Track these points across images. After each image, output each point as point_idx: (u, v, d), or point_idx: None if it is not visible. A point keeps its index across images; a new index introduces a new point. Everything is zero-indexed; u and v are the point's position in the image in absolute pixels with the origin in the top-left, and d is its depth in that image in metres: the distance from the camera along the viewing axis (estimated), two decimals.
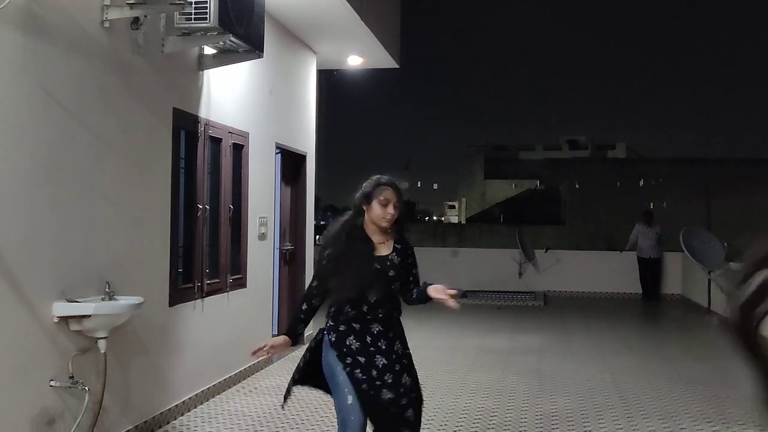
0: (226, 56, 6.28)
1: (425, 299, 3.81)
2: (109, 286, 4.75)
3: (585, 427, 5.93)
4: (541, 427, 5.91)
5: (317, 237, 10.62)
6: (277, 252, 8.61)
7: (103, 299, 4.68)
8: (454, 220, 48.40)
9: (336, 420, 3.82)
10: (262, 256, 7.79)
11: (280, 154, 8.57)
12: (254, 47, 6.02)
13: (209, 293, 6.48)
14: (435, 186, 37.63)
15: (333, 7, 7.71)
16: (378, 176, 3.92)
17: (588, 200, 35.31)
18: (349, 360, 3.74)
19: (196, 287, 6.24)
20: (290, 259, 9.06)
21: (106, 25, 4.84)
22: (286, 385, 4.02)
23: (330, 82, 12.26)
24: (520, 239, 15.91)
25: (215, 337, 6.62)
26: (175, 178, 5.87)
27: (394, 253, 3.85)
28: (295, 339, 3.94)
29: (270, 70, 7.90)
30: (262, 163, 7.75)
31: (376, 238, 3.88)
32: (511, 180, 46.75)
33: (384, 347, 3.76)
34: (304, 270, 9.01)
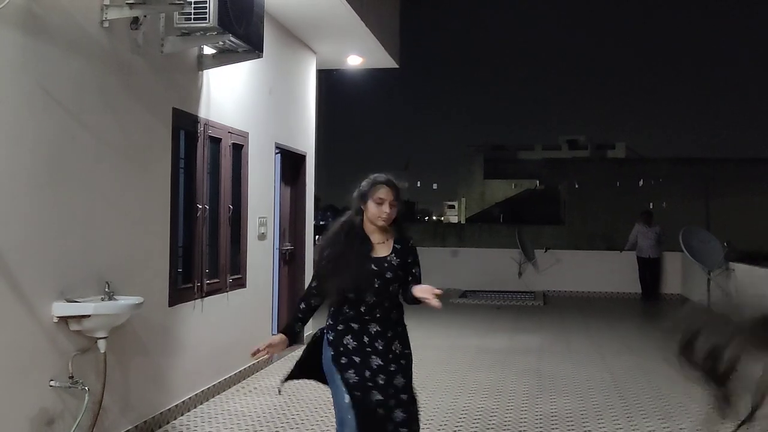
0: (225, 56, 6.28)
1: (416, 299, 3.76)
2: (108, 286, 4.75)
3: (584, 427, 5.93)
4: (540, 427, 5.91)
5: (317, 237, 10.62)
6: (276, 252, 8.61)
7: (102, 299, 4.68)
8: (454, 220, 48.46)
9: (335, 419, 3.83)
10: (261, 256, 7.79)
11: (279, 154, 8.57)
12: (254, 47, 6.02)
13: (209, 293, 6.48)
14: (434, 186, 37.65)
15: (333, 7, 7.71)
16: (375, 175, 3.91)
17: (587, 200, 35.30)
18: (344, 360, 3.76)
19: (195, 287, 6.24)
20: (290, 259, 9.06)
21: (106, 25, 4.84)
22: (284, 377, 4.04)
23: (330, 81, 12.26)
24: (519, 239, 15.92)
25: (215, 337, 6.62)
26: (174, 178, 5.87)
27: (393, 254, 3.83)
28: (293, 337, 3.93)
29: (270, 70, 7.90)
30: (261, 163, 7.75)
31: (375, 238, 3.87)
32: (511, 180, 46.78)
33: (381, 348, 3.76)
34: (304, 270, 9.01)
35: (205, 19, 5.29)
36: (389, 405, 3.71)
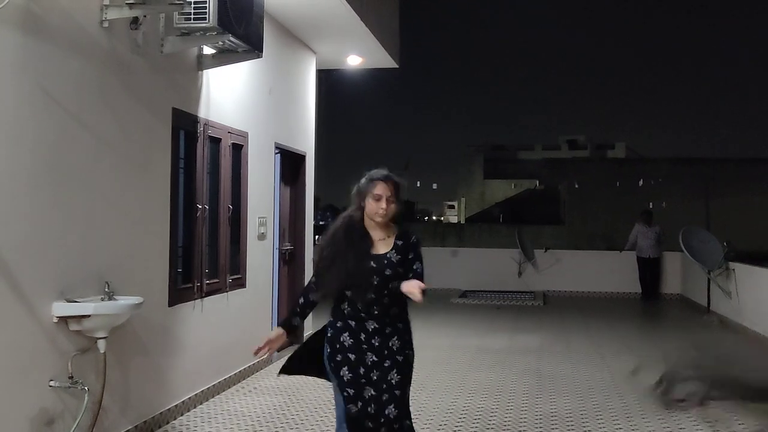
0: (225, 56, 6.28)
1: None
2: (108, 286, 4.75)
3: (584, 427, 5.93)
4: (540, 427, 5.91)
5: (317, 237, 10.62)
6: (276, 252, 8.61)
7: (102, 299, 4.68)
8: (454, 220, 48.45)
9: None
10: (261, 256, 7.79)
11: (279, 154, 8.57)
12: (253, 47, 6.02)
13: (209, 293, 6.48)
14: (434, 186, 37.59)
15: (332, 7, 7.71)
16: (373, 171, 3.91)
17: (587, 200, 35.30)
18: (339, 357, 3.80)
19: (195, 287, 6.24)
20: (290, 259, 9.06)
21: (106, 25, 4.84)
22: (279, 376, 4.05)
23: (329, 81, 12.26)
24: (519, 239, 15.92)
25: (215, 337, 6.62)
26: (174, 178, 5.87)
27: (393, 251, 3.82)
28: (291, 331, 3.96)
29: (269, 70, 7.90)
30: (261, 163, 7.75)
31: (376, 234, 3.87)
32: (511, 180, 46.78)
33: (377, 344, 3.77)
34: (304, 270, 9.01)
35: (204, 19, 5.29)
36: (382, 400, 3.71)
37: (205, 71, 6.32)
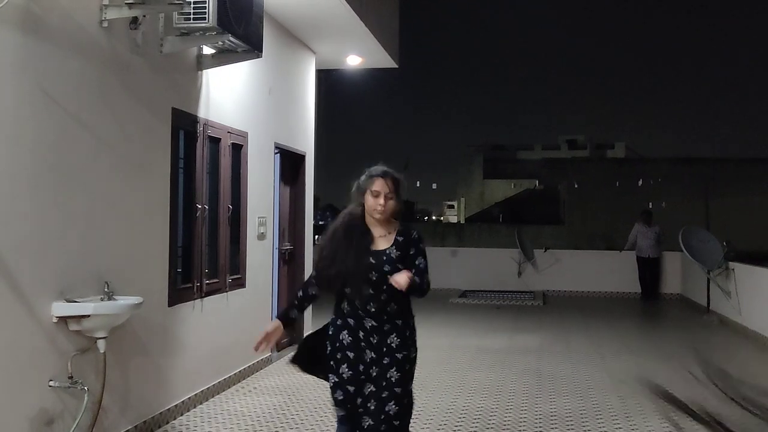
0: (225, 56, 6.28)
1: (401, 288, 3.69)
2: (108, 286, 4.75)
3: (584, 427, 5.93)
4: (540, 427, 5.91)
5: (316, 237, 10.62)
6: (276, 252, 8.61)
7: (102, 299, 4.68)
8: (453, 219, 48.47)
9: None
10: (261, 256, 7.79)
11: (279, 154, 8.57)
12: (253, 47, 6.02)
13: (208, 293, 6.48)
14: (434, 186, 37.59)
15: (332, 7, 7.71)
16: (372, 168, 3.91)
17: (587, 200, 35.29)
18: (339, 355, 3.83)
19: (195, 287, 6.24)
20: (289, 259, 9.06)
21: (105, 24, 4.84)
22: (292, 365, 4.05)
23: (329, 81, 12.26)
24: (519, 239, 15.93)
25: (214, 337, 6.62)
26: (174, 178, 5.87)
27: (393, 247, 3.81)
28: (287, 323, 3.99)
29: (269, 70, 7.90)
30: (261, 162, 7.75)
31: (376, 231, 3.87)
32: (510, 180, 46.80)
33: (375, 341, 3.77)
34: (303, 270, 9.01)
35: (204, 19, 5.29)
36: (381, 396, 3.72)
37: (204, 71, 6.32)
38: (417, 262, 3.82)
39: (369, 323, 3.79)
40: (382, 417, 3.70)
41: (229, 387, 6.95)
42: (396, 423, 3.72)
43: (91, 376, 4.63)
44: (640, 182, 32.11)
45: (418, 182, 33.38)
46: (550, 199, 41.04)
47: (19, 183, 4.15)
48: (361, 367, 3.77)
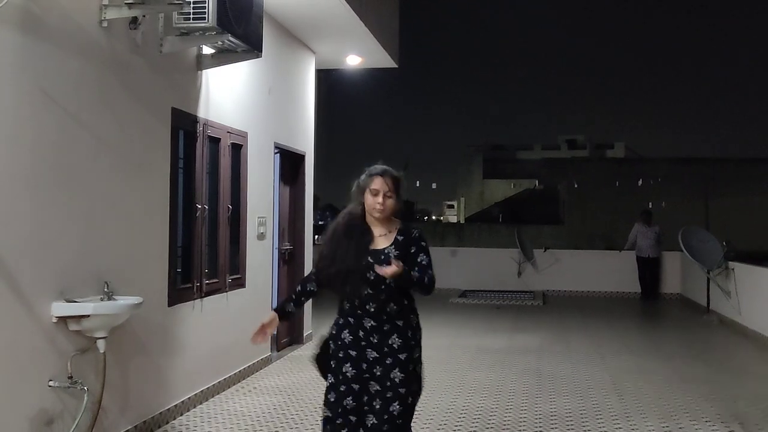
0: (224, 56, 6.28)
1: (394, 281, 3.66)
2: (107, 286, 4.74)
3: (584, 426, 5.93)
4: (539, 427, 5.91)
5: (316, 237, 10.62)
6: (275, 252, 8.61)
7: (102, 299, 4.68)
8: (453, 219, 48.48)
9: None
10: (261, 256, 7.79)
11: (278, 154, 8.57)
12: (253, 47, 6.02)
13: (208, 293, 6.48)
14: (434, 185, 37.62)
15: (332, 7, 7.71)
16: (372, 167, 3.90)
17: (587, 200, 35.32)
18: (341, 354, 3.82)
19: (195, 287, 6.24)
20: (289, 259, 9.06)
21: (105, 24, 4.84)
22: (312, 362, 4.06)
23: (329, 81, 12.26)
24: (518, 239, 15.93)
25: (214, 337, 6.62)
26: (173, 178, 5.87)
27: (392, 246, 3.78)
28: (284, 316, 4.00)
29: (269, 70, 7.90)
30: (260, 162, 7.75)
31: (377, 230, 3.86)
32: (510, 180, 46.84)
33: (376, 341, 3.77)
34: (303, 269, 9.01)
35: (204, 18, 5.29)
36: (386, 396, 3.72)
37: (204, 71, 6.32)
38: (419, 260, 3.79)
39: (369, 323, 3.78)
40: (386, 417, 3.70)
41: (229, 387, 6.95)
42: (399, 422, 3.72)
43: (91, 376, 4.63)
44: (640, 182, 32.14)
45: (417, 182, 33.44)
46: (550, 199, 41.07)
47: (19, 183, 4.15)
48: (364, 366, 3.77)
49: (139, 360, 5.37)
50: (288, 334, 9.08)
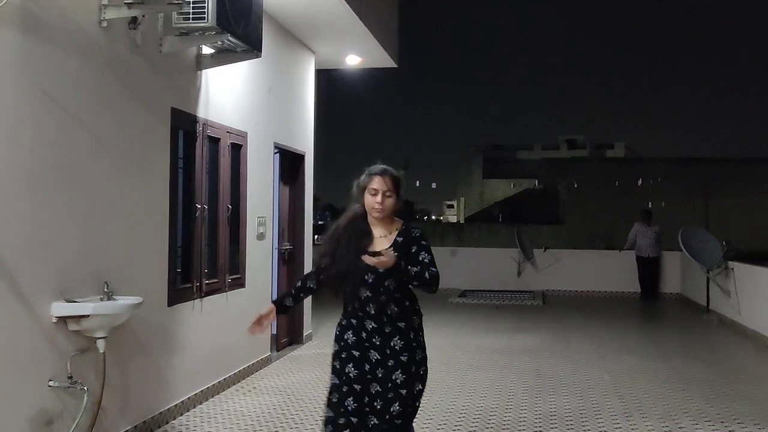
0: (224, 56, 6.28)
1: (390, 274, 3.66)
2: (107, 286, 4.74)
3: (584, 426, 5.93)
4: (539, 427, 5.91)
5: (316, 237, 10.62)
6: (275, 252, 8.61)
7: (101, 299, 4.68)
8: (453, 219, 48.47)
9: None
10: (260, 256, 7.79)
11: (278, 154, 8.57)
12: (252, 47, 6.02)
13: (208, 293, 6.48)
14: (433, 185, 37.63)
15: (331, 7, 7.71)
16: (371, 167, 3.90)
17: (586, 199, 35.33)
18: (344, 355, 3.83)
19: (194, 287, 6.24)
20: (289, 259, 9.06)
21: (104, 24, 4.84)
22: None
23: (329, 81, 12.26)
24: (518, 238, 15.93)
25: (214, 337, 6.62)
26: (173, 178, 5.87)
27: (391, 248, 3.75)
28: (281, 309, 4.01)
29: (268, 70, 7.90)
30: (260, 162, 7.75)
31: (377, 231, 3.85)
32: (510, 179, 46.85)
33: (378, 343, 3.77)
34: (303, 269, 9.00)
35: (203, 18, 5.29)
36: (387, 397, 3.72)
37: (204, 71, 6.32)
38: (420, 258, 3.76)
39: (370, 325, 3.78)
40: (386, 417, 3.70)
41: (229, 387, 6.95)
42: (399, 422, 3.72)
43: (91, 376, 4.63)
44: (640, 182, 32.15)
45: (417, 182, 33.46)
46: (550, 198, 41.07)
47: (19, 183, 4.15)
48: (367, 367, 3.77)
49: (139, 360, 5.37)
50: (288, 334, 9.08)
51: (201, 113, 6.33)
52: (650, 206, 23.94)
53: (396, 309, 3.78)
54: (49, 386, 4.36)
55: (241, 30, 5.69)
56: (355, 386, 3.78)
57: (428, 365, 3.90)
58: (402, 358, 3.75)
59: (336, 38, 9.03)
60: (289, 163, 9.05)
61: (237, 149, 7.17)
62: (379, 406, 3.73)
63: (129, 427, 5.23)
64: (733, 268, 11.57)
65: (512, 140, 76.87)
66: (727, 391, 7.09)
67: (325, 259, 3.89)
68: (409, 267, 3.68)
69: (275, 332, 8.60)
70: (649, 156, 47.84)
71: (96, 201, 4.83)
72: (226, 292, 6.86)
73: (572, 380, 7.54)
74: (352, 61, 10.22)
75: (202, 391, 6.39)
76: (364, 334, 3.79)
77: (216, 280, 6.65)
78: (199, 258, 6.32)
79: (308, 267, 9.13)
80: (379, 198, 3.79)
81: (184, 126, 6.07)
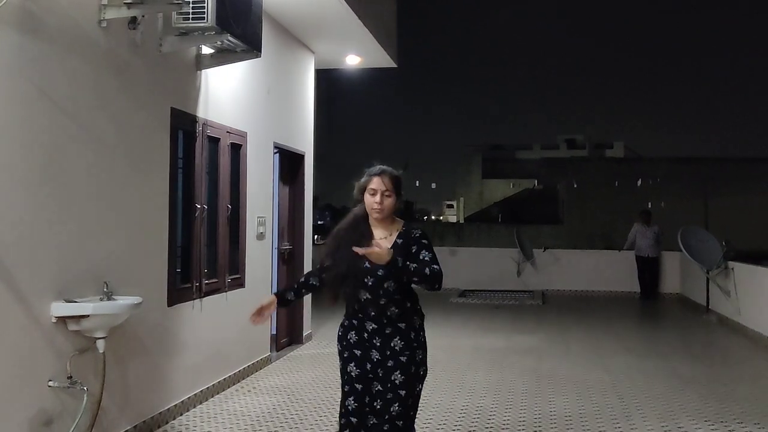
0: (223, 56, 6.27)
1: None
2: (107, 286, 4.74)
3: (583, 426, 5.93)
4: (539, 427, 5.91)
5: (315, 236, 10.62)
6: (275, 251, 8.61)
7: (101, 299, 4.68)
8: (453, 219, 48.42)
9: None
10: (260, 256, 7.79)
11: (278, 154, 8.57)
12: (252, 47, 6.02)
13: (208, 293, 6.48)
14: (433, 185, 37.61)
15: (331, 6, 7.71)
16: (371, 168, 3.90)
17: (586, 199, 35.31)
18: (346, 354, 3.85)
19: (194, 287, 6.24)
20: (288, 259, 9.06)
21: (104, 24, 4.84)
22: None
23: (328, 81, 12.26)
24: (518, 238, 15.93)
25: (214, 336, 6.62)
26: (173, 178, 5.87)
27: (391, 250, 3.75)
28: (282, 302, 4.02)
29: (268, 70, 7.90)
30: (260, 162, 7.75)
31: (378, 232, 3.85)
32: (509, 179, 46.78)
33: (378, 344, 3.78)
34: (303, 269, 9.00)
35: (203, 18, 5.29)
36: (387, 397, 3.72)
37: (203, 71, 6.32)
38: (421, 257, 3.74)
39: (370, 326, 3.79)
40: (386, 417, 3.71)
41: (229, 387, 6.95)
42: (399, 423, 3.72)
43: (91, 376, 4.63)
44: (639, 182, 32.15)
45: (417, 182, 33.45)
46: (549, 198, 41.03)
47: (18, 183, 4.14)
48: (369, 366, 3.78)
49: (139, 360, 5.37)
50: (287, 335, 9.08)
51: (201, 113, 6.33)
52: (650, 206, 23.95)
53: (396, 310, 3.78)
54: (49, 386, 4.36)
55: (240, 30, 5.69)
56: (357, 385, 3.79)
57: (428, 365, 3.90)
58: (402, 358, 3.75)
59: (336, 38, 9.03)
60: (289, 163, 9.05)
61: (237, 149, 7.17)
62: (379, 406, 3.74)
63: (129, 427, 5.22)
64: (732, 268, 11.57)
65: (511, 140, 76.91)
66: (726, 391, 7.09)
67: (327, 260, 3.90)
68: (408, 263, 3.66)
69: (275, 332, 8.60)
70: (648, 156, 47.80)
71: (95, 201, 4.83)
72: (226, 291, 6.86)
73: (572, 380, 7.54)
74: (352, 61, 10.22)
75: (202, 391, 6.39)
76: (365, 335, 3.81)
77: (216, 280, 6.65)
78: (199, 258, 6.32)
79: (308, 267, 9.13)
80: (378, 198, 3.78)
81: (184, 126, 6.07)
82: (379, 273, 3.72)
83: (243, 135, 7.27)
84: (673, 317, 13.13)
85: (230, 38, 5.65)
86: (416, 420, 3.96)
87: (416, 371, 3.79)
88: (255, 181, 7.56)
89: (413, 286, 3.80)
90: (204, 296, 6.40)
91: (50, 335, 4.37)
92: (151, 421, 5.53)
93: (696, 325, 11.81)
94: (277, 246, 8.69)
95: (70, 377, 4.45)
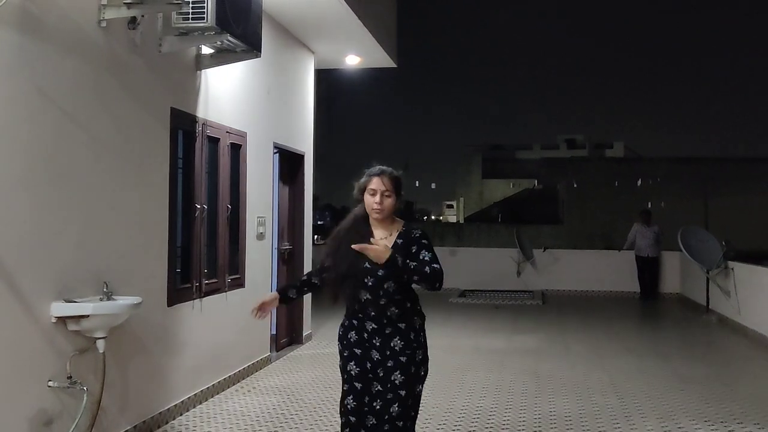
0: (223, 56, 6.27)
1: (386, 270, 3.65)
2: (107, 286, 4.74)
3: (583, 427, 5.93)
4: (538, 427, 5.91)
5: (315, 236, 10.63)
6: (275, 251, 8.61)
7: (101, 299, 4.68)
8: (453, 219, 48.42)
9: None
10: (260, 256, 7.79)
11: (278, 154, 8.57)
12: (252, 47, 6.02)
13: (207, 293, 6.48)
14: (433, 185, 37.66)
15: (331, 6, 7.71)
16: (370, 168, 3.90)
17: (586, 199, 35.30)
18: (346, 353, 3.86)
19: (194, 287, 6.24)
20: (288, 259, 9.06)
21: (103, 24, 4.84)
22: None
23: (328, 81, 12.26)
24: (518, 238, 15.93)
25: (214, 337, 6.62)
26: (172, 178, 5.87)
27: (390, 248, 3.76)
28: (284, 299, 4.05)
29: (268, 70, 7.90)
30: (259, 162, 7.75)
31: (378, 232, 3.85)
32: (509, 179, 46.79)
33: (378, 344, 3.78)
34: (303, 269, 9.00)
35: (203, 18, 5.29)
36: (387, 398, 3.72)
37: (203, 71, 6.31)
38: (421, 257, 3.73)
39: (370, 326, 3.79)
40: (386, 417, 3.70)
41: (229, 387, 6.94)
42: (399, 424, 3.71)
43: (90, 376, 4.63)
44: (639, 182, 32.15)
45: (417, 182, 33.47)
46: (549, 198, 41.03)
47: (18, 183, 4.14)
48: (369, 365, 3.79)
49: (139, 360, 5.37)
50: (287, 335, 9.08)
51: (200, 113, 6.33)
52: (650, 206, 23.94)
53: (396, 311, 3.78)
54: (49, 386, 4.36)
55: (240, 30, 5.69)
56: (356, 384, 3.79)
57: (428, 365, 3.90)
58: (401, 358, 3.75)
59: (335, 38, 9.03)
60: (289, 163, 9.05)
61: (236, 149, 7.17)
62: (379, 407, 3.74)
63: (128, 427, 5.22)
64: (732, 268, 11.57)
65: (511, 140, 76.96)
66: (726, 391, 7.09)
67: (328, 260, 3.90)
68: (408, 261, 3.66)
69: (275, 332, 8.60)
70: (648, 156, 47.79)
71: (95, 201, 4.83)
72: (226, 292, 6.86)
73: (571, 380, 7.54)
74: (352, 61, 10.23)
75: (201, 391, 6.39)
76: (365, 335, 3.81)
77: (215, 280, 6.65)
78: (199, 258, 6.32)
79: (308, 267, 9.13)
80: (377, 198, 3.78)
81: (184, 126, 6.07)
82: (380, 273, 3.72)
83: (243, 135, 7.27)
84: (673, 317, 13.13)
85: (230, 38, 5.65)
86: (416, 420, 3.95)
87: (416, 371, 3.79)
88: (255, 181, 7.56)
89: (414, 286, 3.79)
90: (204, 296, 6.40)
91: (50, 335, 4.37)
92: (151, 421, 5.53)
93: (696, 325, 11.81)
94: (277, 246, 8.70)
95: (70, 377, 4.45)
